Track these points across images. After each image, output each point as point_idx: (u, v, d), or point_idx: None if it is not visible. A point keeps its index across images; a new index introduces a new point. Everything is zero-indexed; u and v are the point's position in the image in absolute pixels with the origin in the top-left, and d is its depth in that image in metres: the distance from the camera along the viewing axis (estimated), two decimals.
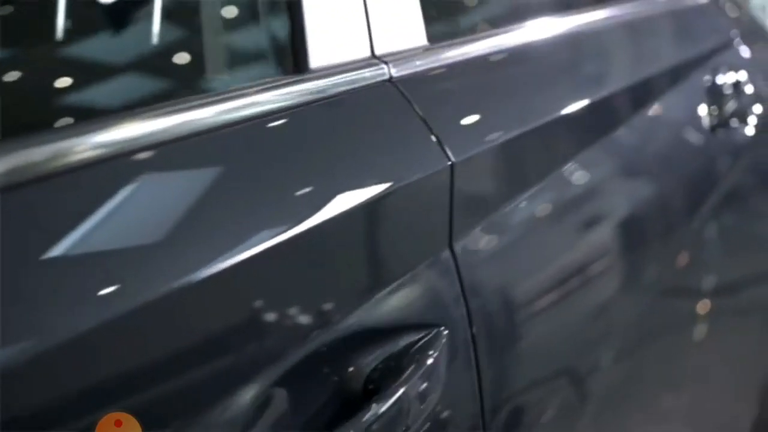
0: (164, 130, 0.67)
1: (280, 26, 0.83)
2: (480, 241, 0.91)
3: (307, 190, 0.74)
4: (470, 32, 1.08)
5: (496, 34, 1.09)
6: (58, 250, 0.56)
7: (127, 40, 0.77)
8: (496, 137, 0.94)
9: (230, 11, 0.85)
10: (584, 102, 1.12)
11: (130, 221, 0.61)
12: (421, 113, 0.87)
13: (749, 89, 1.60)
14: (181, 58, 0.80)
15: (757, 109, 1.61)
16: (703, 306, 1.47)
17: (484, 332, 0.89)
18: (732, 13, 1.80)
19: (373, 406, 0.70)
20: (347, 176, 0.78)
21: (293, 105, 0.78)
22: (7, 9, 0.68)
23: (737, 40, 1.69)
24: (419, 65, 0.92)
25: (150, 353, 0.59)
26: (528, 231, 1.00)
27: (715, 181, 1.51)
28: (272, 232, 0.69)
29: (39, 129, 0.61)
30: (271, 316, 0.68)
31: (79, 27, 0.72)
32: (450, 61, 0.97)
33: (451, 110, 0.92)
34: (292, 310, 0.70)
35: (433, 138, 0.86)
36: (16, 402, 0.51)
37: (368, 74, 0.86)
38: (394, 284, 0.81)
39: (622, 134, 1.22)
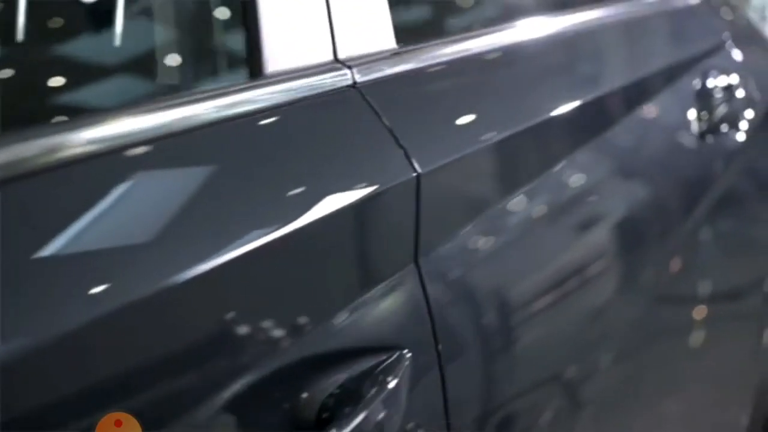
0: (111, 138, 0.64)
1: (233, 29, 0.78)
2: (448, 255, 0.86)
3: (258, 204, 0.70)
4: (443, 35, 1.03)
5: (470, 38, 1.03)
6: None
7: (78, 44, 0.74)
8: (467, 146, 0.89)
9: (182, 14, 0.80)
10: (564, 108, 1.07)
11: (74, 231, 0.59)
12: (386, 121, 0.83)
13: (741, 93, 1.54)
14: (129, 62, 0.76)
15: (749, 114, 1.55)
16: (690, 313, 1.43)
17: (452, 354, 0.84)
18: (726, 15, 1.75)
19: None
20: (303, 189, 0.74)
21: (246, 112, 0.74)
22: None
23: (729, 42, 1.63)
24: (386, 70, 0.87)
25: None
26: (500, 244, 0.95)
27: (704, 188, 1.46)
28: (220, 248, 0.65)
29: None
30: (216, 338, 0.65)
31: (36, 30, 0.70)
32: (420, 65, 0.92)
33: (419, 118, 0.87)
34: (240, 332, 0.66)
35: (399, 147, 0.82)
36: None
37: (330, 79, 0.82)
38: (353, 303, 0.76)
39: (605, 142, 1.17)
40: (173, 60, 0.78)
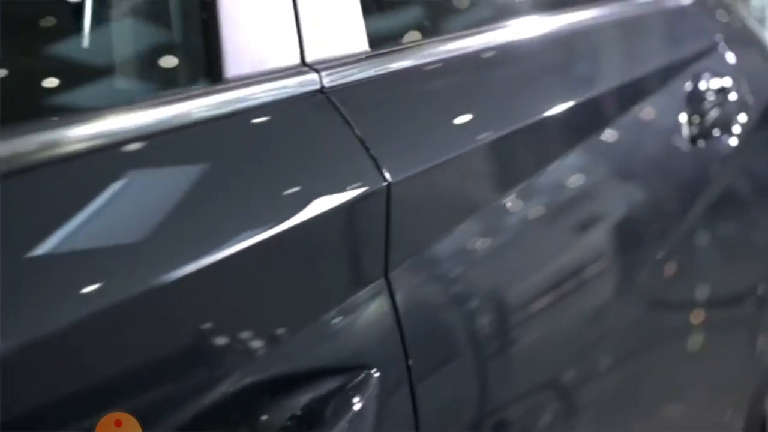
0: (66, 142, 0.61)
1: (191, 30, 0.74)
2: (421, 269, 0.82)
3: (218, 215, 0.67)
4: (418, 37, 0.98)
5: (447, 40, 0.99)
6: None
7: (33, 47, 0.71)
8: (442, 154, 0.85)
9: (137, 14, 0.76)
10: (545, 114, 1.03)
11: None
12: (355, 127, 0.79)
13: (733, 97, 1.50)
14: (80, 66, 0.72)
15: (742, 118, 1.51)
16: (683, 319, 1.40)
17: (424, 374, 0.80)
18: (721, 17, 1.71)
19: None
20: (266, 199, 0.70)
21: (203, 119, 0.70)
22: None
23: (722, 44, 1.59)
24: (357, 74, 0.83)
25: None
26: (477, 256, 0.90)
27: (696, 193, 1.42)
28: (179, 263, 0.62)
29: None
30: (172, 355, 0.62)
31: None
32: (393, 68, 0.88)
33: (392, 124, 0.84)
34: (196, 350, 0.63)
35: (368, 155, 0.78)
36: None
37: (295, 84, 0.78)
38: (318, 320, 0.73)
39: (591, 148, 1.12)
40: (126, 64, 0.74)
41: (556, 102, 1.07)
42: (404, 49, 0.91)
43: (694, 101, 1.41)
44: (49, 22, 0.73)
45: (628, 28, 1.39)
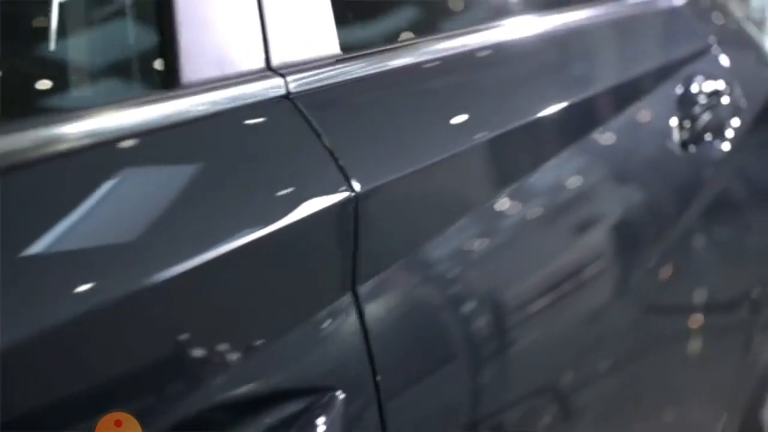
0: (14, 151, 0.58)
1: (144, 31, 0.70)
2: (391, 283, 0.78)
3: (174, 229, 0.63)
4: (393, 40, 0.93)
5: (424, 43, 0.95)
6: None
7: None
8: (414, 163, 0.81)
9: (86, 14, 0.72)
10: (527, 120, 0.99)
11: None
12: (322, 135, 0.75)
13: (726, 100, 1.46)
14: (30, 70, 0.69)
15: (735, 122, 1.47)
16: (675, 325, 1.38)
17: (393, 396, 0.76)
18: (716, 19, 1.67)
19: None
20: (224, 214, 0.66)
21: (157, 128, 0.66)
22: None
23: (715, 47, 1.55)
24: (326, 78, 0.79)
25: None
26: (450, 269, 0.86)
27: (687, 199, 1.38)
28: (128, 279, 0.59)
29: None
30: (117, 378, 0.59)
31: None
32: (366, 73, 0.84)
33: (362, 131, 0.80)
34: (150, 371, 0.60)
35: (336, 164, 0.74)
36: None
37: (259, 89, 0.74)
38: (281, 338, 0.69)
39: (576, 154, 1.08)
40: (76, 67, 0.70)
41: (540, 106, 1.02)
42: (378, 52, 0.87)
43: (686, 104, 1.37)
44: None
45: (617, 29, 1.35)
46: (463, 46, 0.98)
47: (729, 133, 1.45)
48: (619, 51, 1.32)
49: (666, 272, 1.30)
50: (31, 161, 0.58)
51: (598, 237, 1.15)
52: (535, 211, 1.00)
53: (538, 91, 1.06)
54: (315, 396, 0.68)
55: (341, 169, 0.74)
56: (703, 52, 1.52)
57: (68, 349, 0.55)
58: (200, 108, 0.69)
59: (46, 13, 0.67)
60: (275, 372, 0.68)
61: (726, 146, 1.43)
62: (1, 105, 0.66)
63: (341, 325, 0.73)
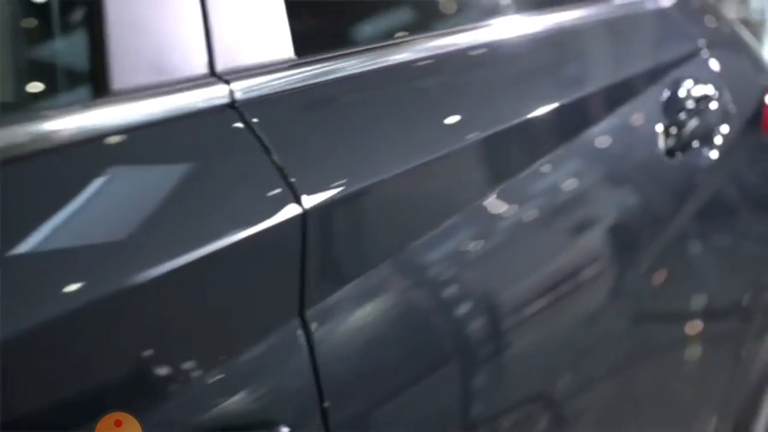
0: None
1: (72, 34, 0.65)
2: (342, 307, 0.72)
3: (103, 249, 0.59)
4: (355, 43, 0.86)
5: (384, 48, 0.88)
6: None
7: None
8: (369, 176, 0.75)
9: (8, 16, 0.66)
10: (499, 129, 0.92)
11: None
12: (269, 147, 0.69)
13: (715, 106, 1.40)
14: None
15: (724, 129, 1.42)
16: (665, 335, 1.34)
17: (345, 430, 0.70)
18: (707, 21, 1.61)
19: None
20: (159, 234, 0.61)
21: (85, 138, 0.60)
22: None
23: (705, 50, 1.49)
24: (278, 85, 0.74)
25: None
26: (404, 291, 0.80)
27: (674, 209, 1.32)
28: (53, 305, 0.55)
29: None
30: (36, 418, 0.54)
31: None
32: (322, 79, 0.78)
33: (311, 143, 0.74)
34: (81, 407, 0.56)
35: (283, 179, 0.69)
36: None
37: (200, 97, 0.68)
38: (218, 369, 0.63)
39: (552, 163, 1.02)
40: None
41: (521, 113, 0.97)
42: (336, 57, 0.81)
43: (672, 110, 1.32)
44: None
45: (602, 31, 1.29)
46: (427, 49, 0.91)
47: (718, 140, 1.40)
48: (603, 54, 1.27)
49: (654, 280, 1.25)
50: None
51: (579, 246, 1.09)
52: (502, 225, 0.93)
53: (520, 97, 1.00)
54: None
55: (289, 184, 0.69)
56: (692, 55, 1.46)
57: None
58: (132, 118, 0.63)
59: None
60: (211, 407, 0.62)
61: (714, 154, 1.38)
62: None
63: (287, 353, 0.68)
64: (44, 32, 0.66)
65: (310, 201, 0.69)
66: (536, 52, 1.08)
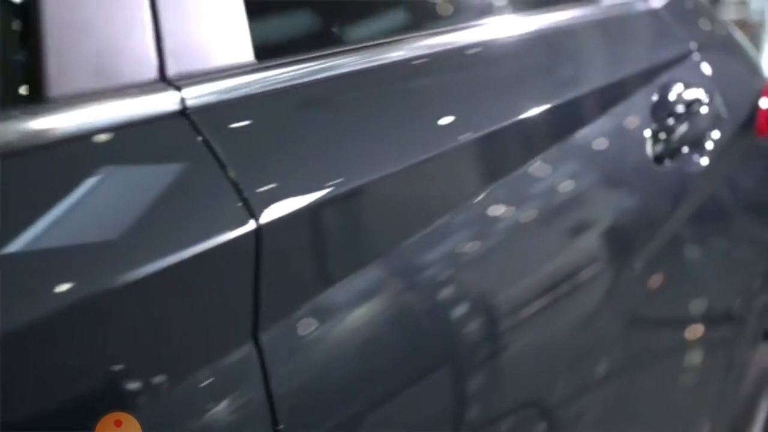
0: None
1: (5, 35, 0.60)
2: (299, 329, 0.68)
3: (33, 268, 0.55)
4: (319, 47, 0.82)
5: (351, 51, 0.83)
6: None
7: None
8: (327, 190, 0.70)
9: None
10: (475, 136, 0.88)
11: None
12: (222, 157, 0.65)
13: (705, 110, 1.36)
14: None
15: (715, 134, 1.38)
16: (656, 343, 1.31)
17: None
18: (701, 23, 1.57)
19: None
20: (97, 251, 0.57)
21: (14, 150, 0.56)
22: None
23: (696, 53, 1.45)
24: (234, 90, 0.69)
25: None
26: (368, 311, 0.75)
27: (663, 217, 1.28)
28: None
29: None
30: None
31: None
32: (283, 84, 0.73)
33: (268, 153, 0.69)
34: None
35: (236, 191, 0.64)
36: None
37: (147, 104, 0.64)
38: (164, 397, 0.59)
39: (535, 169, 0.97)
40: None
41: (504, 114, 0.92)
42: (298, 60, 0.76)
43: (661, 114, 1.27)
44: None
45: (590, 32, 1.25)
46: (403, 54, 0.87)
47: (708, 146, 1.36)
48: (591, 56, 1.22)
49: (645, 286, 1.22)
50: None
51: (568, 248, 1.05)
52: (491, 226, 0.88)
53: (501, 101, 0.95)
54: None
55: (243, 197, 0.64)
56: (683, 58, 1.42)
57: None
58: (71, 126, 0.59)
59: None
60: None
61: (704, 160, 1.33)
62: None
63: (239, 379, 0.63)
64: None
65: (265, 213, 0.64)
66: (524, 54, 1.04)
